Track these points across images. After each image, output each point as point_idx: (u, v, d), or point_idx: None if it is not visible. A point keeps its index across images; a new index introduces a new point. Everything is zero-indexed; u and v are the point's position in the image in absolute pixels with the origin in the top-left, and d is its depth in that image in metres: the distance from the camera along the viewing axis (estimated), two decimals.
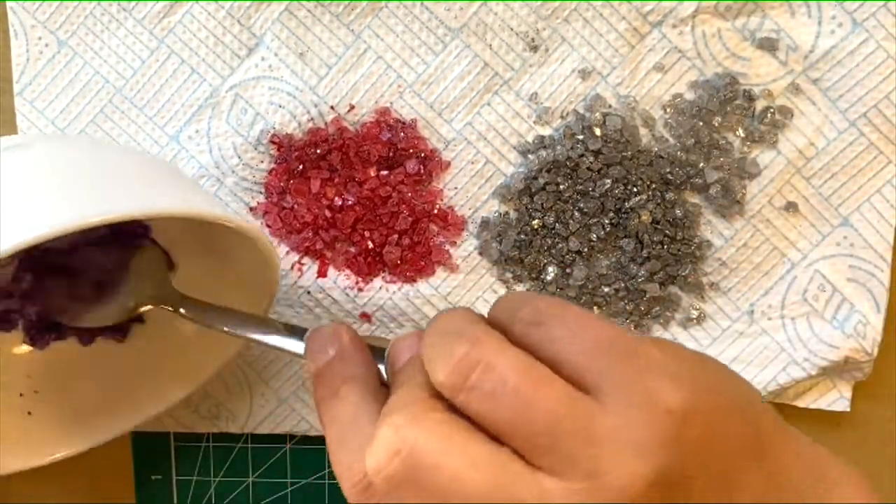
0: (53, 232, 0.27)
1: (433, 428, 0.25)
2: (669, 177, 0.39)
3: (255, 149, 0.39)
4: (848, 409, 0.42)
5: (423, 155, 0.39)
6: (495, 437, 0.25)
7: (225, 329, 0.34)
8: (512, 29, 0.38)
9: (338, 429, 0.29)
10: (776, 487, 0.27)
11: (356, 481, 0.27)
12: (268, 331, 0.33)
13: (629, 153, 0.38)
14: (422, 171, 0.39)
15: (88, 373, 0.40)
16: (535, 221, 0.39)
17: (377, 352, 0.31)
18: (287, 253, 0.40)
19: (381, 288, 0.40)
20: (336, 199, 0.39)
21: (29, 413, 0.39)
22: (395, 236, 0.39)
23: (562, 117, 0.39)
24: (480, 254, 0.40)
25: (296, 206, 0.39)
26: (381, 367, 0.31)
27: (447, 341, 0.26)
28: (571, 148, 0.38)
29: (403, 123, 0.39)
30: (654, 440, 0.24)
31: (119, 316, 0.37)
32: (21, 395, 0.39)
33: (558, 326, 0.26)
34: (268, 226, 0.40)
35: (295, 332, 0.33)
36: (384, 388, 0.30)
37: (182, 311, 0.35)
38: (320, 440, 0.44)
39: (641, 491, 0.24)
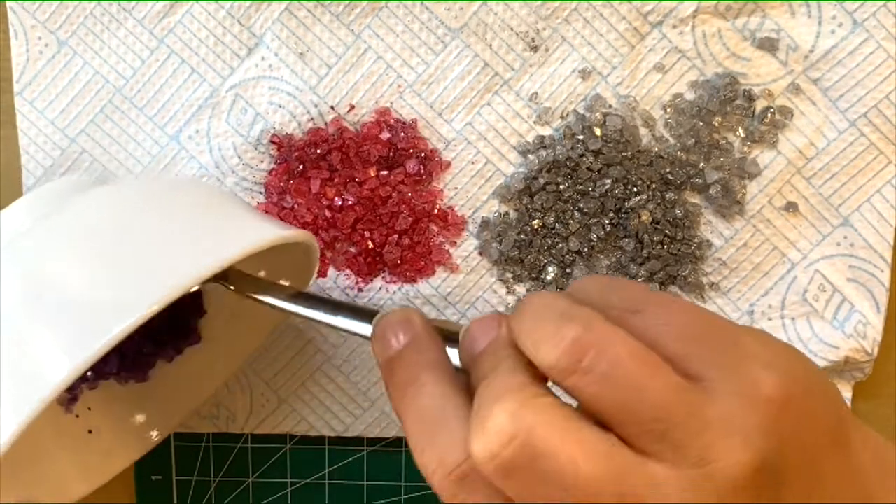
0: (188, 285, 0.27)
1: (549, 415, 0.24)
2: (669, 177, 0.39)
3: (255, 149, 0.39)
4: None
5: (423, 155, 0.39)
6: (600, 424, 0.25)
7: (289, 309, 0.33)
8: (512, 29, 0.38)
9: (423, 419, 0.27)
10: (852, 475, 0.27)
11: (449, 471, 0.26)
12: (334, 312, 0.32)
13: (629, 153, 0.38)
14: (422, 171, 0.39)
15: (138, 387, 0.40)
16: (535, 221, 0.39)
17: (444, 336, 0.30)
18: None
19: (381, 288, 0.40)
20: (336, 199, 0.39)
21: (89, 431, 0.39)
22: (395, 236, 0.39)
23: (562, 117, 0.39)
24: (480, 254, 0.40)
25: (296, 206, 0.39)
26: (450, 351, 0.30)
27: (555, 324, 0.25)
28: (571, 148, 0.38)
29: (403, 123, 0.39)
30: (758, 428, 0.25)
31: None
32: (77, 416, 0.39)
33: (655, 313, 0.26)
34: None
35: (362, 314, 0.32)
36: (460, 374, 0.29)
37: (236, 287, 0.34)
38: (320, 440, 0.44)
39: (748, 477, 0.24)
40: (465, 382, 0.28)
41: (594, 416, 0.25)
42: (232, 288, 0.35)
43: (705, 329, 0.26)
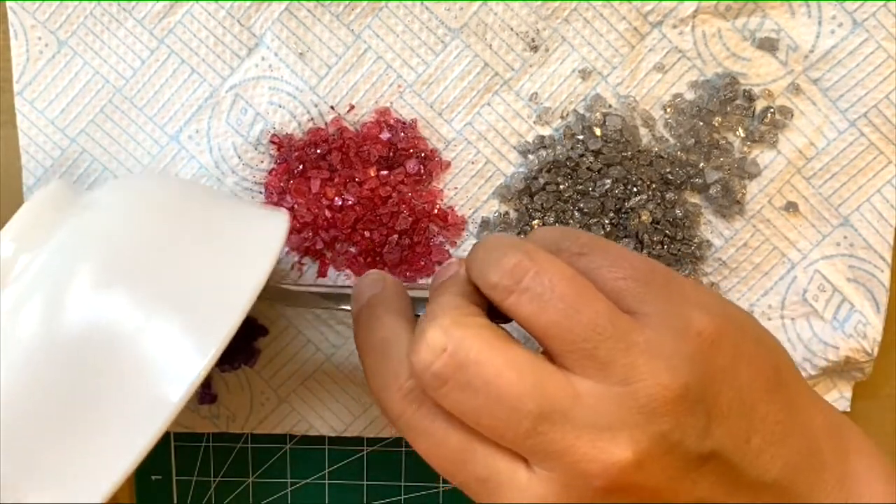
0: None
1: (477, 330, 0.26)
2: (669, 177, 0.39)
3: (255, 149, 0.39)
4: (848, 409, 0.42)
5: (423, 155, 0.39)
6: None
7: (297, 306, 0.38)
8: (512, 29, 0.38)
9: (377, 348, 0.30)
10: (794, 424, 0.28)
11: (401, 386, 0.28)
12: (326, 302, 0.37)
13: (629, 153, 0.38)
14: (422, 171, 0.39)
15: None
16: (535, 221, 0.39)
17: (417, 301, 0.33)
18: (287, 253, 0.40)
19: None
20: (336, 199, 0.39)
21: None
22: (395, 236, 0.39)
23: (562, 117, 0.39)
24: None
25: (296, 206, 0.39)
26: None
27: (501, 251, 0.27)
28: (571, 148, 0.38)
29: (403, 123, 0.39)
30: (684, 356, 0.26)
31: None
32: None
33: (601, 256, 0.28)
34: None
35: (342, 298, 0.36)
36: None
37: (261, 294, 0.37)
38: (320, 440, 0.44)
39: (668, 400, 0.26)
40: None
41: (533, 335, 0.27)
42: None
43: (646, 272, 0.28)
